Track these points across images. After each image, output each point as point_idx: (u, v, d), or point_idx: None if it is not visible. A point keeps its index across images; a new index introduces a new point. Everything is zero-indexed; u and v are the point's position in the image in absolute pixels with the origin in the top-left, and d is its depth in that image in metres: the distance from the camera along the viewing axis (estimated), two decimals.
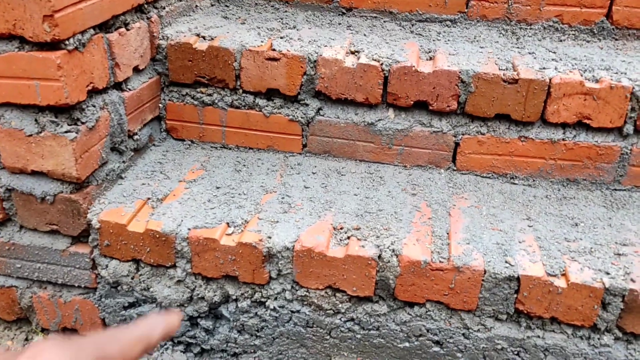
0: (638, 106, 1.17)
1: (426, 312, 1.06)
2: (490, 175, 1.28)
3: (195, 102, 1.32)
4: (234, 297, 1.12)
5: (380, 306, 1.08)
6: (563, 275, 0.99)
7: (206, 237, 1.06)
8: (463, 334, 1.06)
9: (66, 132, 1.03)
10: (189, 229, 1.07)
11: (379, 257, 1.03)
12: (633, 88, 1.15)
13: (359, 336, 1.11)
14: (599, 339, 1.02)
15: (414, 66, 1.21)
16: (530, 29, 1.43)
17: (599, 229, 1.11)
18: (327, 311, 1.09)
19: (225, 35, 1.31)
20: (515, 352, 1.05)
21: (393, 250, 1.04)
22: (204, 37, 1.30)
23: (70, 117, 1.05)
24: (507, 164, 1.26)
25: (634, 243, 1.07)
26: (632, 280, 0.98)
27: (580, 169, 1.24)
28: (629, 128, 1.18)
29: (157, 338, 0.36)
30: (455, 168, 1.30)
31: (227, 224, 1.09)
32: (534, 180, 1.27)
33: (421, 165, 1.30)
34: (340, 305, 1.08)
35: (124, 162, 1.22)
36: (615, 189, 1.24)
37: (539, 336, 1.03)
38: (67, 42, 0.99)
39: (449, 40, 1.39)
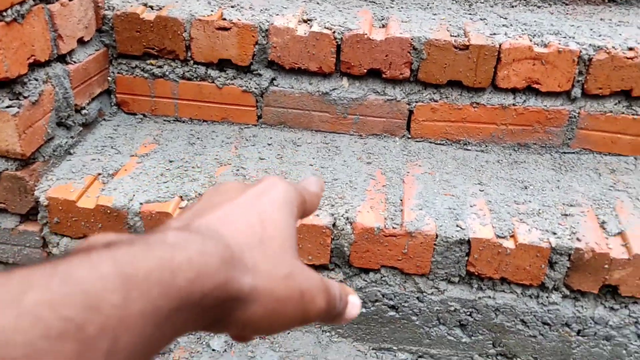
0: (585, 70, 1.19)
1: (381, 277, 1.08)
2: (444, 142, 1.30)
3: (146, 75, 1.29)
4: None
5: (337, 274, 1.09)
6: (512, 236, 1.02)
7: (159, 211, 1.04)
8: (417, 298, 1.08)
9: (7, 107, 1.00)
10: (141, 204, 1.06)
11: (334, 225, 1.04)
12: (580, 52, 1.17)
13: None
14: (547, 297, 1.05)
15: (366, 34, 1.20)
16: None
17: (548, 191, 1.14)
18: None
19: (173, 4, 1.28)
20: (468, 313, 1.08)
21: (347, 218, 1.04)
22: (151, 7, 1.27)
23: (12, 91, 1.01)
24: (460, 130, 1.28)
25: (580, 204, 1.10)
26: (577, 239, 1.01)
27: (530, 133, 1.26)
28: (576, 91, 1.21)
29: (320, 196, 0.46)
30: (410, 136, 1.30)
31: (181, 197, 1.08)
32: (486, 146, 1.28)
33: (376, 134, 1.31)
34: None
35: (72, 137, 1.19)
36: (565, 152, 1.27)
37: (490, 296, 1.06)
38: (4, 14, 0.95)
39: (402, 7, 1.38)
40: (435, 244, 1.02)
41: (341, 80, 1.27)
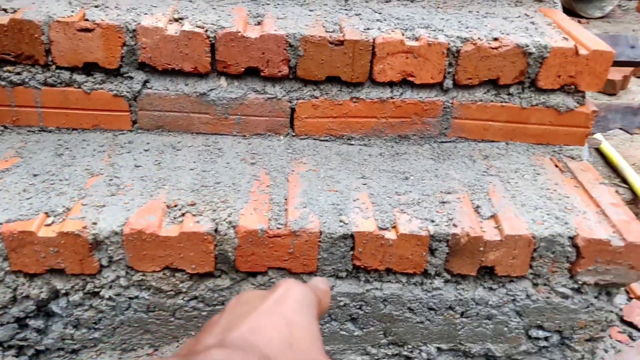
0: (455, 61, 1.23)
1: (269, 279, 1.06)
2: (328, 138, 1.30)
3: (3, 83, 1.18)
4: (63, 292, 1.03)
5: (223, 280, 1.06)
6: (393, 227, 1.04)
7: (21, 230, 0.96)
8: None
9: None
10: (1, 224, 0.96)
11: (216, 230, 1.00)
12: (449, 44, 1.21)
13: (204, 313, 1.08)
14: (430, 283, 1.08)
15: (240, 32, 1.17)
16: None
17: (427, 181, 1.17)
18: (168, 293, 1.05)
19: (30, 6, 1.18)
20: (358, 307, 1.08)
21: (230, 222, 1.01)
22: (5, 10, 1.16)
23: None
24: (343, 126, 1.28)
25: (457, 190, 1.14)
26: (454, 225, 1.04)
27: (409, 125, 1.29)
28: (448, 83, 1.25)
29: (329, 293, 0.50)
30: (294, 134, 1.29)
31: (46, 213, 0.99)
32: (369, 140, 1.30)
33: (260, 134, 1.29)
34: (181, 285, 1.04)
35: None
36: (442, 142, 1.31)
37: (377, 288, 1.08)
38: None
39: (278, 4, 1.37)
40: (320, 241, 1.02)
41: (219, 80, 1.23)
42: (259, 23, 1.25)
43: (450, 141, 1.32)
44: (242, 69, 1.21)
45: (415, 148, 1.30)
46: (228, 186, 1.11)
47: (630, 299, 1.38)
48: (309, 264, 1.04)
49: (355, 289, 1.07)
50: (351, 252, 1.04)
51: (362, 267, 1.05)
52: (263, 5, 1.35)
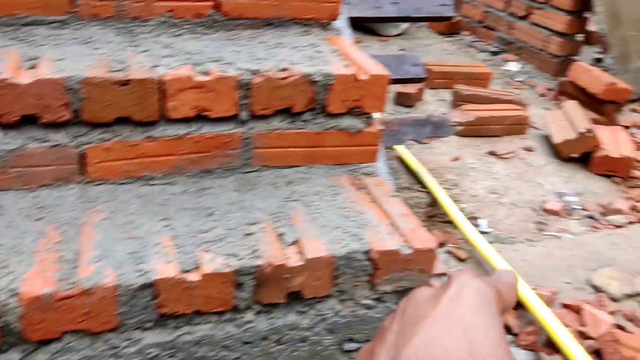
0: (248, 94, 1.25)
1: (66, 344, 0.97)
2: (127, 180, 1.24)
3: None
4: None
5: (12, 354, 0.95)
6: (197, 268, 1.02)
7: None
8: (113, 354, 1.01)
9: None
10: None
11: None
12: (238, 77, 1.23)
13: None
14: (242, 318, 1.08)
15: (8, 78, 1.07)
16: (146, 25, 1.41)
17: (232, 214, 1.17)
18: None
19: None
20: (170, 355, 1.04)
21: (11, 290, 0.92)
22: None
23: None
24: (141, 167, 1.24)
25: (261, 220, 1.16)
26: (258, 256, 1.05)
27: (211, 158, 1.28)
28: (244, 114, 1.27)
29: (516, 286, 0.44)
30: (88, 180, 1.21)
31: None
32: (171, 178, 1.27)
33: (48, 185, 1.19)
34: None
35: None
36: (247, 172, 1.33)
37: (188, 332, 1.05)
38: None
39: (57, 44, 1.28)
40: (117, 296, 0.96)
41: None
42: (33, 67, 1.16)
43: (254, 170, 1.33)
44: (18, 118, 1.11)
45: (220, 181, 1.29)
46: (9, 249, 1.00)
47: None
48: (109, 320, 0.98)
49: (164, 338, 1.03)
50: (155, 301, 1.00)
51: (169, 314, 1.02)
52: (39, 46, 1.25)
